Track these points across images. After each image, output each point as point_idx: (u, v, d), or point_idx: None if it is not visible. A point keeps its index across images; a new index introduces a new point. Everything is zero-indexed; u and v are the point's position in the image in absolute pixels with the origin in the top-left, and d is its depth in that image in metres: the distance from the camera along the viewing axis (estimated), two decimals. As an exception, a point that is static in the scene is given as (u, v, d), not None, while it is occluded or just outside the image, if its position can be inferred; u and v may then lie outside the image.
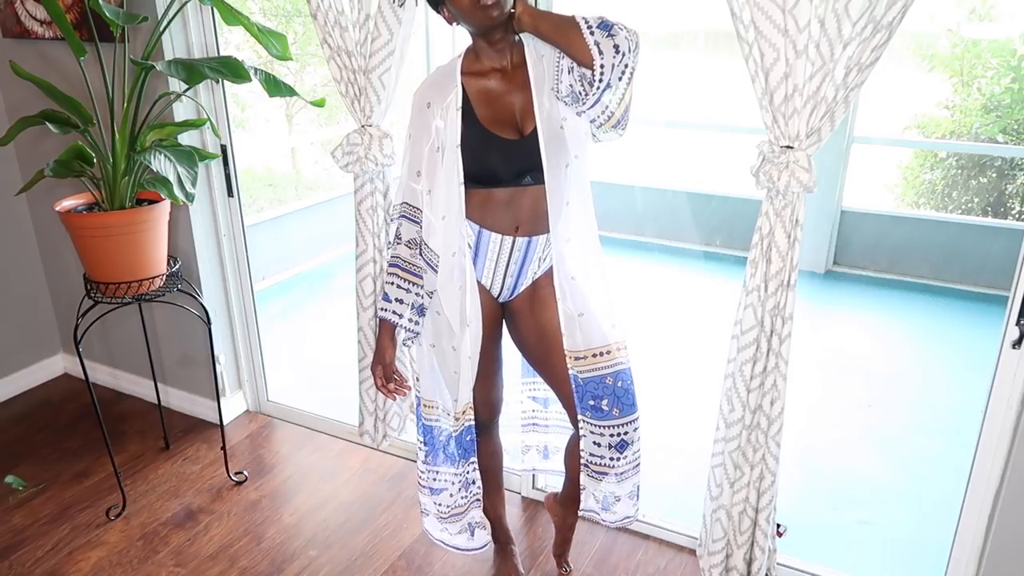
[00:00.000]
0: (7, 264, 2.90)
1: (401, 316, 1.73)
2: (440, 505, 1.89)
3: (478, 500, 1.89)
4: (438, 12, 1.56)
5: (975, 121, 5.16)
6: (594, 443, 1.75)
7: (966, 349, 3.72)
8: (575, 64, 1.51)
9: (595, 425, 1.73)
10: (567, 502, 1.96)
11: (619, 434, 1.73)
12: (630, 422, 1.74)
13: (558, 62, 1.54)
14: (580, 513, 1.88)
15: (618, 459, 1.76)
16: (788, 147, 1.57)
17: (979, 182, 5.20)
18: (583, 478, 1.80)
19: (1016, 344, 1.61)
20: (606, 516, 1.87)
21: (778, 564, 2.00)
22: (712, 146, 6.05)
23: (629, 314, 3.96)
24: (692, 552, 2.14)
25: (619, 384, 1.71)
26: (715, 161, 5.81)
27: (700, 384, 3.21)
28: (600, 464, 1.77)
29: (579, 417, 1.74)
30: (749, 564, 1.91)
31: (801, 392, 3.05)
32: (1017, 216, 5.10)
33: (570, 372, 1.70)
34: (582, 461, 1.77)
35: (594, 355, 1.69)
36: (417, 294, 1.72)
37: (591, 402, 1.71)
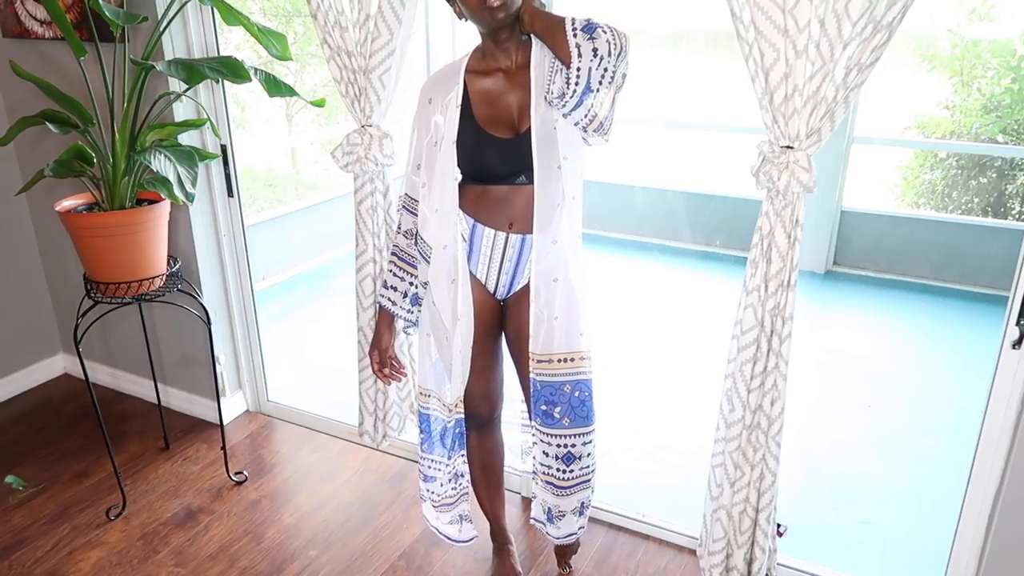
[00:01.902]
0: (7, 264, 2.90)
1: (395, 303, 1.78)
2: (432, 493, 1.91)
3: (466, 493, 1.92)
4: (450, 4, 1.58)
5: (975, 121, 5.16)
6: (543, 452, 1.77)
7: (966, 349, 3.72)
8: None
9: (544, 433, 1.75)
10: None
11: (566, 445, 1.74)
12: (579, 435, 1.74)
13: (552, 62, 1.55)
14: (531, 522, 1.92)
15: (564, 471, 1.77)
16: (788, 147, 1.57)
17: (979, 182, 5.20)
18: (533, 485, 1.82)
19: (1016, 344, 1.61)
20: (551, 530, 1.89)
21: (778, 564, 2.00)
22: (712, 146, 6.06)
23: (628, 314, 3.97)
24: (692, 552, 2.14)
25: (575, 394, 1.72)
26: (715, 161, 5.81)
27: (700, 384, 3.21)
28: (548, 474, 1.79)
29: (531, 422, 1.76)
30: (749, 564, 1.91)
31: (801, 392, 3.05)
32: (1017, 216, 5.10)
33: (530, 375, 1.71)
34: (532, 468, 1.80)
35: (560, 360, 1.69)
36: (411, 283, 1.78)
37: (543, 407, 1.72)
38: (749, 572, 1.91)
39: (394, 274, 1.79)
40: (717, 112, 6.05)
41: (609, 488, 2.37)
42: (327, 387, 3.19)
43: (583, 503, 1.84)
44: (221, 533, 2.25)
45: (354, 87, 2.02)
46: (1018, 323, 1.60)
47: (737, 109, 5.39)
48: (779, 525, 1.94)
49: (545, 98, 1.56)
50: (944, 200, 5.34)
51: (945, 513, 2.05)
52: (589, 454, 1.78)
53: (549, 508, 1.84)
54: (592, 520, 2.25)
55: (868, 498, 2.51)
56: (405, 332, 1.83)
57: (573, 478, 1.78)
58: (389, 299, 1.79)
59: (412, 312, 1.79)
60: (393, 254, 1.80)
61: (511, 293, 1.75)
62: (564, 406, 1.71)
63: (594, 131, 1.56)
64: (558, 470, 1.77)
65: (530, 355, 1.69)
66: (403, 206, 1.76)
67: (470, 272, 1.70)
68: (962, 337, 3.90)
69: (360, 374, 2.34)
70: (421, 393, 1.83)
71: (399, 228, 1.78)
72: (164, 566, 2.12)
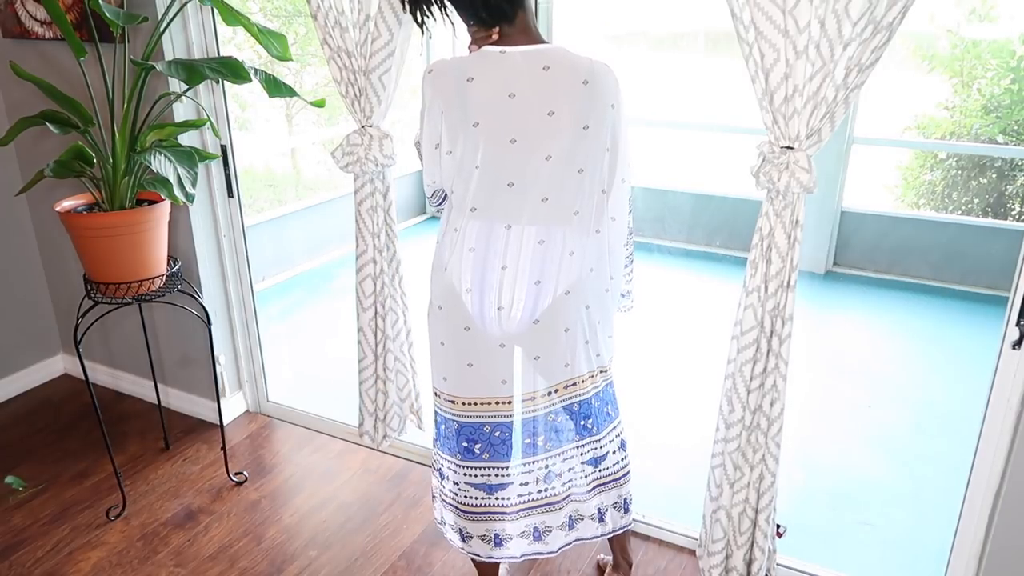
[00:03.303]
0: (7, 264, 2.90)
1: None
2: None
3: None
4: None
5: (975, 122, 5.16)
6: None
7: (966, 350, 3.72)
8: None
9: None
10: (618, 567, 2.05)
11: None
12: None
13: None
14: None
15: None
16: (788, 148, 1.57)
17: (979, 183, 5.20)
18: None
19: (1016, 345, 1.61)
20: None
21: (778, 565, 2.00)
22: (712, 146, 6.06)
23: (629, 315, 3.96)
24: (692, 552, 2.14)
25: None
26: (715, 161, 5.81)
27: (700, 385, 3.21)
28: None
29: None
30: (749, 565, 1.91)
31: (801, 393, 3.05)
32: (1017, 217, 5.10)
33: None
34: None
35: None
36: None
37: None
38: (749, 572, 1.91)
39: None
40: (717, 112, 6.05)
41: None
42: (327, 387, 3.19)
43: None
44: (221, 533, 2.25)
45: (354, 87, 2.03)
46: (1018, 323, 1.60)
47: (737, 110, 5.39)
48: (779, 526, 1.94)
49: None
50: (944, 200, 5.34)
51: (945, 514, 2.05)
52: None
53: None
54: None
55: (868, 499, 2.51)
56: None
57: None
58: None
59: None
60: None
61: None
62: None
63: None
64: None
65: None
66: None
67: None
68: (962, 337, 3.90)
69: (360, 374, 2.34)
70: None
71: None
72: (164, 566, 2.12)
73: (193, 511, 2.34)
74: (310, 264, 4.73)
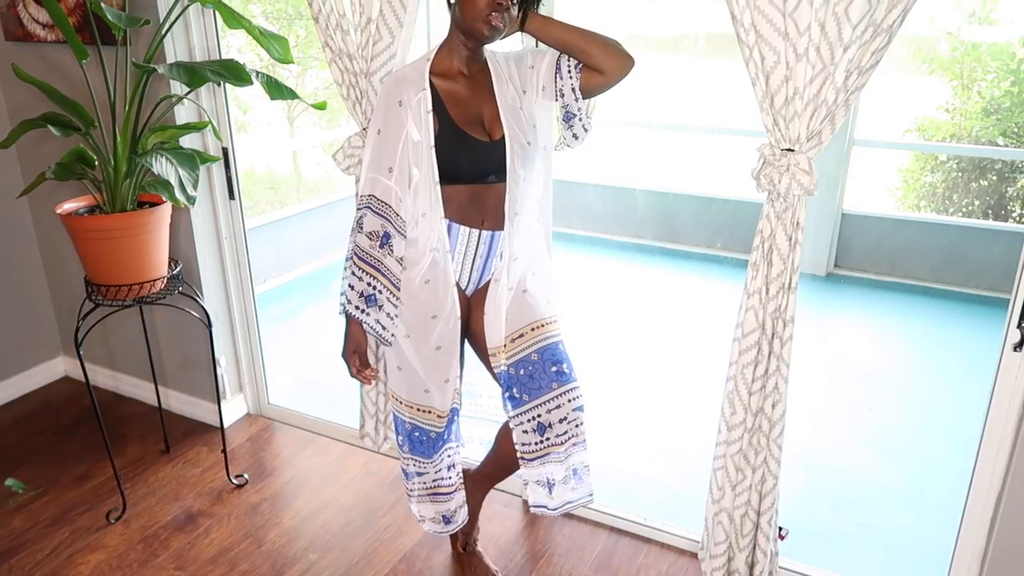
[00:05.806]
0: (8, 266, 2.90)
1: (360, 308, 1.72)
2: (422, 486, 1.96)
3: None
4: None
5: (975, 124, 5.17)
6: (522, 431, 1.79)
7: (967, 352, 3.72)
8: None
9: (518, 413, 1.78)
10: (481, 480, 2.02)
11: (535, 417, 1.77)
12: (551, 399, 1.76)
13: (536, 86, 1.69)
14: (532, 510, 1.87)
15: (540, 443, 1.78)
16: (789, 150, 1.58)
17: (979, 185, 5.20)
18: (524, 471, 1.82)
19: (1017, 347, 1.60)
20: (549, 503, 1.83)
21: (780, 567, 2.00)
22: (713, 149, 6.06)
23: (629, 317, 3.97)
24: (694, 555, 2.14)
25: (544, 363, 1.76)
26: (716, 164, 5.82)
27: (702, 387, 3.21)
28: (529, 451, 1.80)
29: (508, 413, 1.80)
30: (751, 567, 1.90)
31: (802, 395, 3.05)
32: (1017, 219, 5.10)
33: (503, 366, 1.76)
34: (518, 454, 1.81)
35: (532, 329, 1.77)
36: (369, 284, 1.71)
37: (515, 392, 1.77)
38: (751, 575, 1.91)
39: (354, 274, 1.71)
40: (718, 115, 6.06)
41: (611, 491, 2.37)
42: (328, 390, 3.19)
43: (574, 469, 1.81)
44: (221, 536, 2.25)
45: (355, 90, 2.03)
46: (1019, 326, 1.60)
47: (738, 112, 5.39)
48: (780, 528, 1.93)
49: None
50: (945, 203, 5.35)
51: (947, 516, 2.05)
52: (562, 419, 1.75)
53: (547, 479, 1.82)
54: (593, 523, 2.25)
55: (870, 501, 2.50)
56: (383, 343, 1.78)
57: (548, 446, 1.77)
58: (356, 306, 1.73)
59: (369, 314, 1.73)
60: (355, 255, 1.70)
61: (479, 286, 1.79)
62: (537, 379, 1.76)
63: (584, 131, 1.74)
64: (536, 443, 1.77)
65: (505, 339, 1.75)
66: (368, 206, 1.68)
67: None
68: (963, 340, 3.90)
69: (361, 377, 2.34)
70: (393, 397, 1.87)
71: (360, 227, 1.69)
72: (164, 569, 2.12)
73: (193, 514, 2.34)
74: (311, 266, 4.73)
